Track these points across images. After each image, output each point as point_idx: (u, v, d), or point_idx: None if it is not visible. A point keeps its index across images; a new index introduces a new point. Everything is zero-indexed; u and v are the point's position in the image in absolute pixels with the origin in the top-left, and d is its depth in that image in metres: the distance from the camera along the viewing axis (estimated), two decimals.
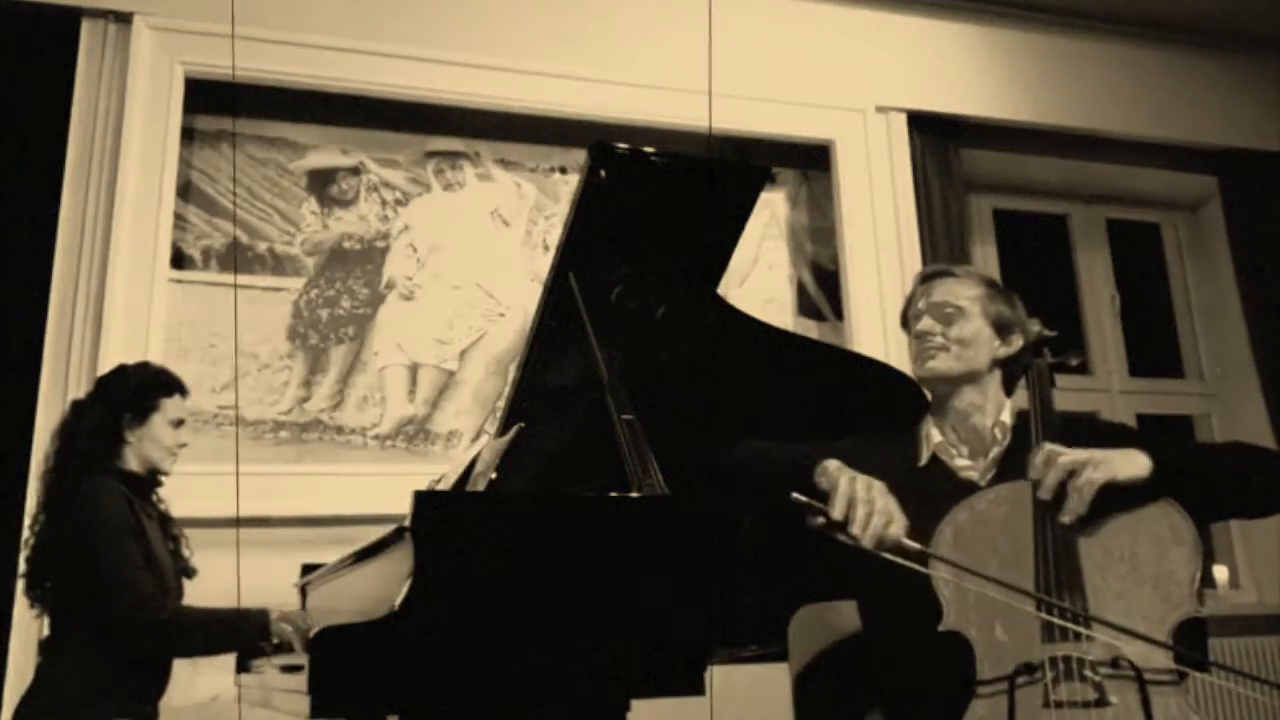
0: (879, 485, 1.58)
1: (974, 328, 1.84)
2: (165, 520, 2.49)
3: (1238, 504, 1.73)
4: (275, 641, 2.20)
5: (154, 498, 2.49)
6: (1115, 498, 1.55)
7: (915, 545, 1.52)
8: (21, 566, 2.38)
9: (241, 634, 2.23)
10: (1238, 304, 4.48)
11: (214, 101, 3.48)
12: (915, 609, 1.58)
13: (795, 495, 1.53)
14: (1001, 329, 1.86)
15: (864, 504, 1.54)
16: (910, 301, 1.95)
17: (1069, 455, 1.57)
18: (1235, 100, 4.57)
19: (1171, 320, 4.79)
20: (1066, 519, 1.55)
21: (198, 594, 2.46)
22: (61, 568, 2.31)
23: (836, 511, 1.54)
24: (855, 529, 1.53)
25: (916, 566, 1.51)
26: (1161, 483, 1.56)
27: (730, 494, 1.77)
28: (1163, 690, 1.41)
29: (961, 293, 1.87)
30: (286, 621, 2.22)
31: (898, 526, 1.54)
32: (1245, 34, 4.57)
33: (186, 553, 2.50)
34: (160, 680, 2.36)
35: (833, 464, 1.65)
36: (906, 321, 1.95)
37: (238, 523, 2.52)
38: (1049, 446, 1.60)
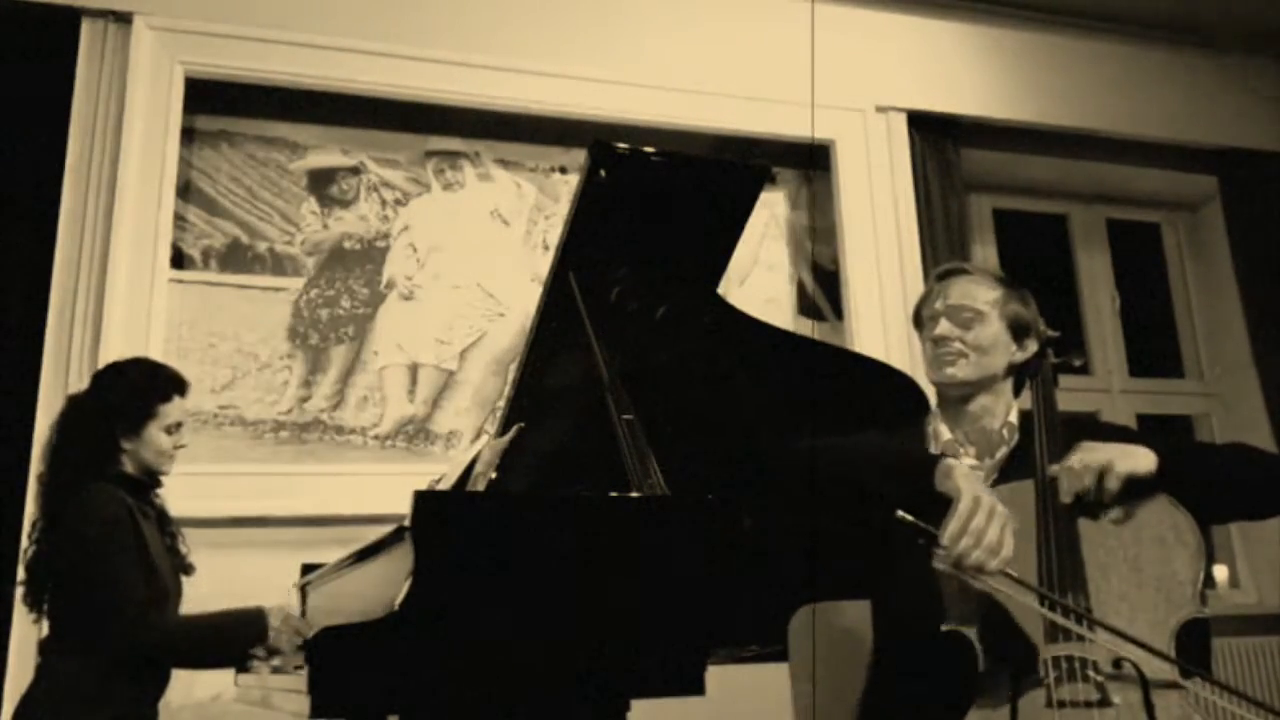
0: (1001, 513, 1.48)
1: (992, 333, 1.81)
2: (162, 517, 2.47)
3: (1239, 506, 1.73)
4: (270, 646, 2.16)
5: (152, 495, 2.48)
6: (1125, 493, 1.55)
7: (1013, 575, 1.45)
8: (20, 575, 2.37)
9: (241, 639, 2.21)
10: (1238, 304, 4.47)
11: (214, 101, 3.48)
12: (919, 610, 1.58)
13: (901, 514, 1.46)
14: (1018, 333, 1.83)
15: (972, 536, 1.45)
16: (925, 301, 1.90)
17: (1097, 454, 1.56)
18: (1235, 100, 4.57)
19: (1171, 320, 4.79)
20: (1066, 497, 1.56)
21: (196, 595, 2.46)
22: (61, 576, 2.29)
23: (946, 538, 1.45)
24: (943, 563, 1.46)
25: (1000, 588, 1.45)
26: (1167, 478, 1.56)
27: (822, 493, 1.68)
28: (1165, 691, 1.41)
29: (980, 295, 1.83)
30: (286, 625, 2.18)
31: (999, 561, 1.45)
32: (1245, 34, 4.57)
33: (184, 549, 2.48)
34: (160, 681, 2.35)
35: (960, 469, 1.56)
36: (920, 321, 1.90)
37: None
38: (1083, 450, 1.59)
